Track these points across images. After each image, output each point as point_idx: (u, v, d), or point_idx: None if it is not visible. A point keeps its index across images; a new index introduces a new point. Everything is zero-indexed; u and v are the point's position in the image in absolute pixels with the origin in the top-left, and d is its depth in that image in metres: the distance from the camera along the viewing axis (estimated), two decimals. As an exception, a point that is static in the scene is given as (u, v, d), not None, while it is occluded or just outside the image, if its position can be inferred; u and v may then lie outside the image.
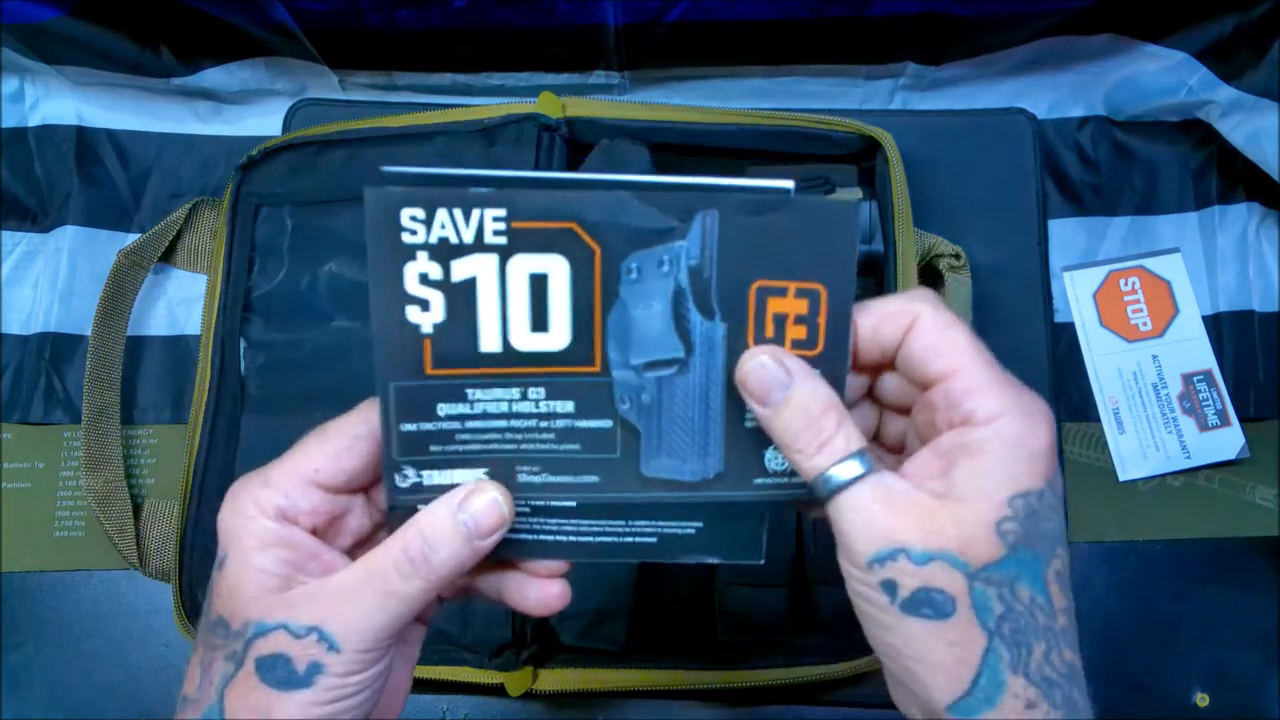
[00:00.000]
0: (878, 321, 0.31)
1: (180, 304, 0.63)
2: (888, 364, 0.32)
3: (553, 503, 0.32)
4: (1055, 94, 0.64)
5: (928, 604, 0.28)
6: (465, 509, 0.31)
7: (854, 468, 0.29)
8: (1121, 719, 0.57)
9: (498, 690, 0.53)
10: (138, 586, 0.59)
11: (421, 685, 0.54)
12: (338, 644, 0.30)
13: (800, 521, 0.56)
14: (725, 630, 0.56)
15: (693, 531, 0.33)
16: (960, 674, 0.28)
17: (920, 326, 0.30)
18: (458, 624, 0.54)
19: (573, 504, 0.32)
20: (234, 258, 0.58)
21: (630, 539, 0.33)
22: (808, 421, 0.30)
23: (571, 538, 0.33)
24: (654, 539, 0.33)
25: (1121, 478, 0.59)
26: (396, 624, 0.30)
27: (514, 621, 0.53)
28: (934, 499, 0.29)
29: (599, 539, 0.33)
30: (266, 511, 0.30)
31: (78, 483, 0.59)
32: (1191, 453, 0.59)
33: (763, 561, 0.33)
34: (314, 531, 0.31)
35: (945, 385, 0.30)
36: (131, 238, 0.62)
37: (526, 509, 0.32)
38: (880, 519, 0.29)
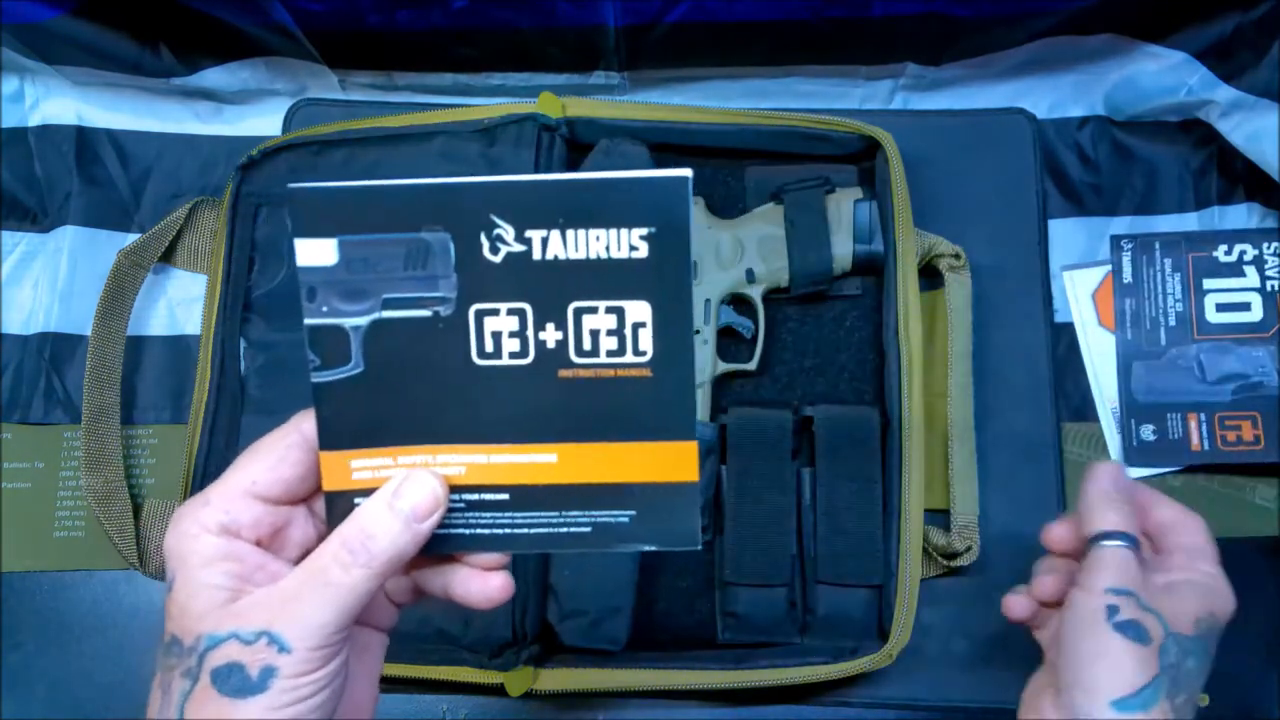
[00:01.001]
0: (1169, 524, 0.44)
1: (180, 304, 0.63)
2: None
3: (485, 496, 0.33)
4: (1055, 94, 0.64)
5: (1134, 631, 0.38)
6: (400, 494, 0.31)
7: (1122, 540, 0.41)
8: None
9: (498, 690, 0.53)
10: (138, 586, 0.59)
11: (421, 685, 0.54)
12: (288, 644, 0.30)
13: (800, 521, 0.56)
14: (725, 630, 0.56)
15: (626, 520, 0.33)
16: (1135, 680, 0.38)
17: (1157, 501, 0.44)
18: (458, 624, 0.54)
19: (505, 496, 0.33)
20: (234, 258, 0.59)
21: (565, 529, 0.33)
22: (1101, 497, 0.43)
23: (507, 530, 0.33)
24: (588, 528, 0.33)
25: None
26: (344, 618, 0.31)
27: (514, 621, 0.53)
28: (1162, 581, 0.41)
29: (534, 530, 0.33)
30: (209, 529, 0.31)
31: (78, 483, 0.59)
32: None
33: (699, 547, 0.33)
34: (259, 544, 0.32)
35: (1188, 543, 0.43)
36: (131, 238, 0.62)
37: (461, 504, 0.33)
38: (1130, 572, 0.40)
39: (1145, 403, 0.60)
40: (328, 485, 0.33)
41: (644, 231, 0.30)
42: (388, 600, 0.36)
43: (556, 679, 0.53)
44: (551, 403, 0.32)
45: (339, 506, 0.32)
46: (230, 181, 0.59)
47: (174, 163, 0.65)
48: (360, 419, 0.32)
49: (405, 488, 0.31)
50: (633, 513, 0.33)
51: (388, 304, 0.31)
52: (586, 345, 0.32)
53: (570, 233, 0.30)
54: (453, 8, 0.55)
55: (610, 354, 0.32)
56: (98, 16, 0.57)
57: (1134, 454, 0.59)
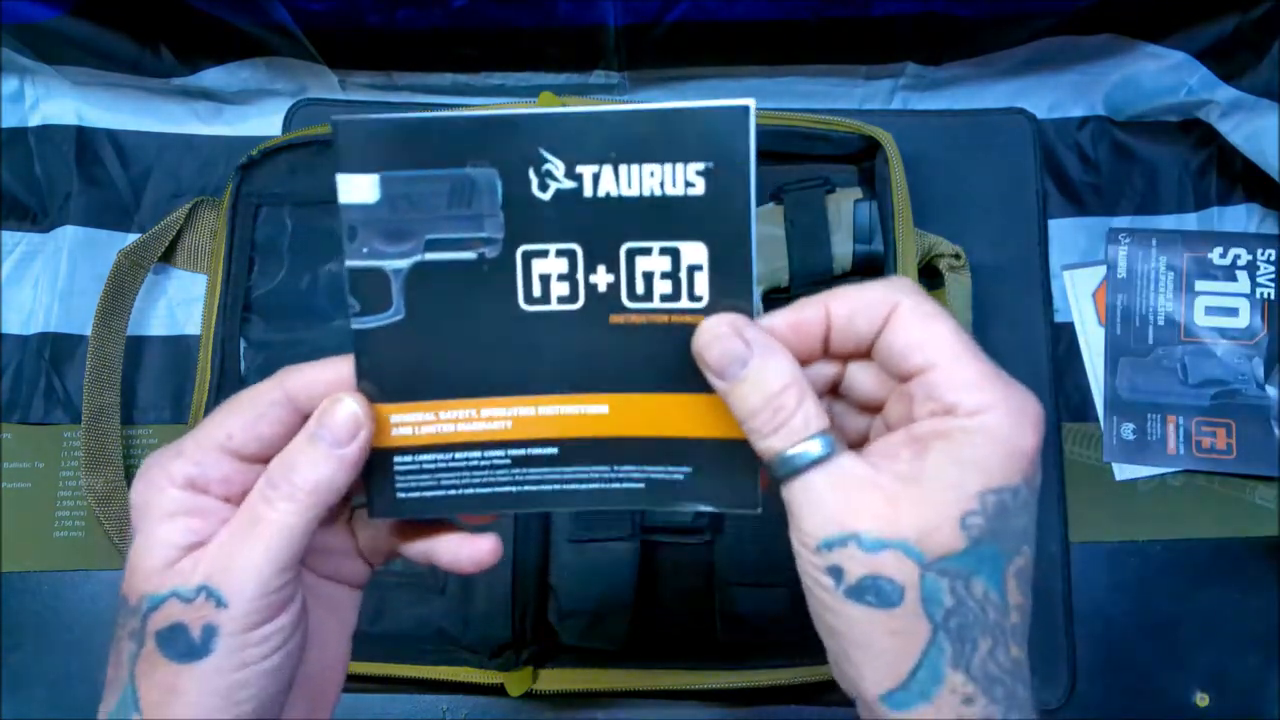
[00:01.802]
0: (853, 311, 0.29)
1: (180, 304, 0.63)
2: (862, 355, 0.30)
3: (533, 451, 0.31)
4: (1055, 94, 0.64)
5: (873, 591, 0.27)
6: (318, 420, 0.29)
7: (813, 448, 0.28)
8: (1121, 719, 0.57)
9: (498, 690, 0.53)
10: (138, 586, 0.59)
11: (421, 685, 0.54)
12: (225, 598, 0.28)
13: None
14: (725, 630, 0.56)
15: (681, 477, 0.31)
16: (899, 666, 0.27)
17: (900, 317, 0.29)
18: (458, 624, 0.54)
19: (554, 450, 0.31)
20: (234, 258, 0.59)
21: (617, 485, 0.32)
22: (765, 399, 0.28)
23: (557, 486, 0.32)
24: (641, 484, 0.32)
25: (1120, 477, 0.59)
26: (281, 560, 0.28)
27: (514, 621, 0.53)
28: (897, 483, 0.28)
29: (585, 486, 0.32)
30: (176, 481, 0.29)
31: (78, 483, 0.59)
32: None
33: (759, 510, 0.31)
34: (228, 500, 0.30)
35: (927, 377, 0.28)
36: (131, 238, 0.62)
37: (507, 460, 0.31)
38: (833, 504, 0.28)
39: (1128, 400, 0.60)
40: None
41: (701, 166, 0.29)
42: (359, 556, 0.34)
43: (556, 679, 0.53)
44: (602, 350, 0.30)
45: (377, 466, 0.31)
46: (230, 181, 0.59)
47: (174, 163, 0.65)
48: (401, 369, 0.30)
49: (324, 411, 0.29)
50: (689, 469, 0.31)
51: (431, 245, 0.30)
52: (640, 289, 0.30)
53: (623, 168, 0.29)
54: (453, 7, 0.55)
55: (664, 298, 0.30)
56: (98, 16, 0.57)
57: (1114, 451, 0.60)
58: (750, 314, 0.30)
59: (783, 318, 0.30)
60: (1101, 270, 0.62)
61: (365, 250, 0.30)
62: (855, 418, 0.32)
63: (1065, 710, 0.56)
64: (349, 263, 0.30)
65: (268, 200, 0.59)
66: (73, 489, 0.60)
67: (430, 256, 0.30)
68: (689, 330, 0.30)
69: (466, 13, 0.56)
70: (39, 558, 0.59)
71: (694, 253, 0.29)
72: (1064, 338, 0.61)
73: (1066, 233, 0.63)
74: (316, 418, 0.29)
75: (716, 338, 0.29)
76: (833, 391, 0.32)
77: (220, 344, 0.57)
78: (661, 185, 0.29)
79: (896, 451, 0.28)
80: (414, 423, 0.31)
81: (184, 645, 0.28)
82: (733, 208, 0.29)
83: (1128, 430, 0.60)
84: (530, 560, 0.54)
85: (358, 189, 0.29)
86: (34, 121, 0.65)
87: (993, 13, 0.56)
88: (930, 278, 0.58)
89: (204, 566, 0.28)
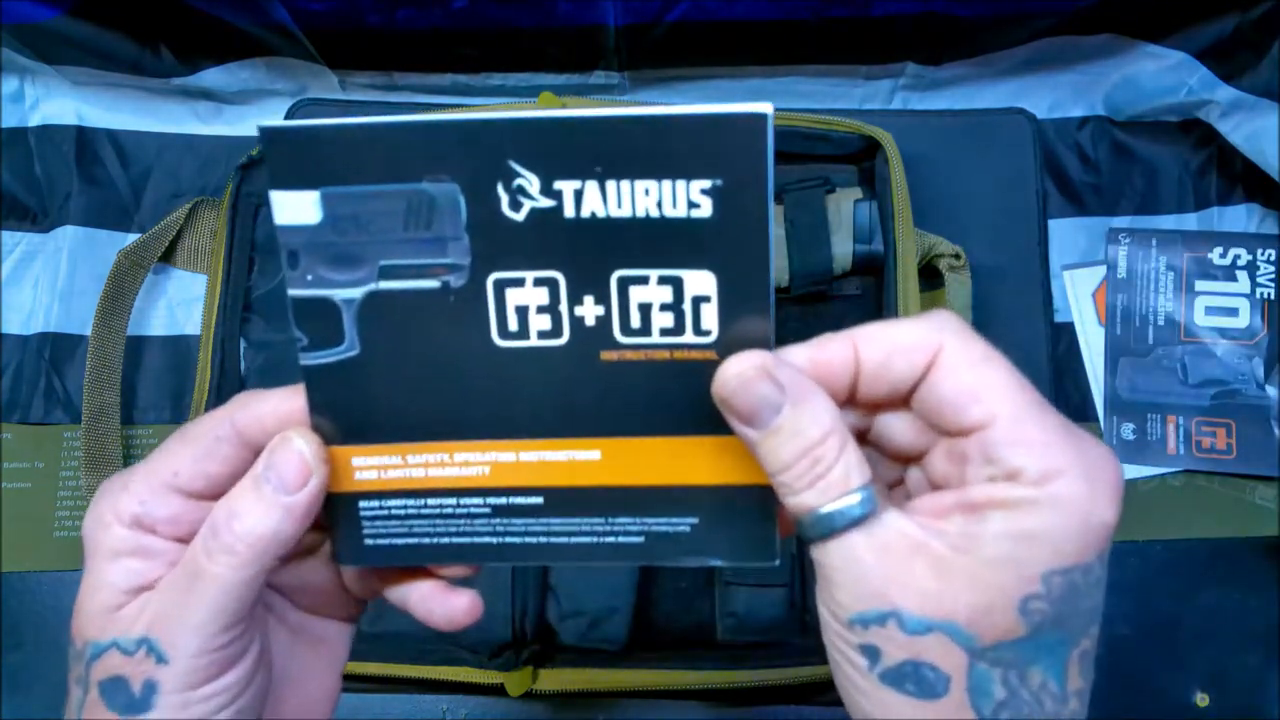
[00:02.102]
0: (888, 354, 0.25)
1: (180, 304, 0.63)
2: (896, 403, 0.26)
3: (514, 500, 0.28)
4: (1055, 94, 0.64)
5: (914, 680, 0.24)
6: (265, 462, 0.27)
7: (852, 505, 0.24)
8: (1121, 719, 0.57)
9: (498, 690, 0.53)
10: (138, 586, 0.59)
11: (421, 685, 0.54)
12: (165, 654, 0.26)
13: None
14: (725, 630, 0.56)
15: (687, 529, 0.28)
16: None
17: (946, 364, 0.25)
18: (458, 624, 0.54)
19: (539, 500, 0.28)
20: (234, 258, 0.58)
21: (613, 539, 0.28)
22: (801, 450, 0.25)
23: (543, 539, 0.29)
24: (640, 538, 0.28)
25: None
26: (223, 617, 0.26)
27: (514, 621, 0.53)
28: (950, 551, 0.24)
29: (575, 540, 0.28)
30: (122, 518, 0.27)
31: (78, 483, 0.59)
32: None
33: (776, 562, 0.28)
34: (180, 540, 0.28)
35: (984, 435, 0.24)
36: (131, 238, 0.62)
37: (486, 509, 0.28)
38: (875, 573, 0.24)
39: (1128, 400, 0.60)
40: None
41: (708, 184, 0.24)
42: (345, 591, 0.32)
43: (556, 679, 0.53)
44: (593, 390, 0.27)
45: (341, 510, 0.28)
46: (230, 181, 0.59)
47: (174, 163, 0.65)
48: (360, 409, 0.27)
49: (269, 456, 0.27)
50: (695, 520, 0.28)
51: (385, 273, 0.26)
52: (635, 322, 0.26)
53: (611, 185, 0.24)
54: (453, 7, 0.55)
55: (665, 332, 0.26)
56: (98, 16, 0.57)
57: (1114, 451, 0.60)
58: (770, 350, 0.26)
59: (804, 354, 0.26)
60: (1101, 270, 0.62)
61: (309, 278, 0.26)
62: (887, 468, 0.28)
63: (1065, 710, 0.56)
64: (291, 291, 0.26)
65: (268, 200, 0.59)
66: (73, 489, 0.60)
67: (385, 285, 0.26)
68: (695, 367, 0.26)
69: (466, 13, 0.56)
70: (39, 558, 0.59)
71: (700, 282, 0.25)
72: (1064, 338, 0.61)
73: (1066, 233, 0.63)
74: (264, 459, 0.27)
75: (745, 381, 0.25)
76: (859, 439, 0.27)
77: (220, 344, 0.57)
78: (659, 205, 0.25)
79: (948, 513, 0.24)
80: (378, 466, 0.28)
81: (125, 699, 0.26)
82: (747, 232, 0.25)
83: (1128, 430, 0.60)
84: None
85: (295, 208, 0.25)
86: (34, 121, 0.65)
87: (993, 13, 0.56)
88: (930, 278, 0.58)
89: (146, 616, 0.27)
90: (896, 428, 0.27)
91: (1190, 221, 0.63)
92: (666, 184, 0.24)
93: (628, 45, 0.59)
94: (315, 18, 0.56)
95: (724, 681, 0.53)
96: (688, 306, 0.26)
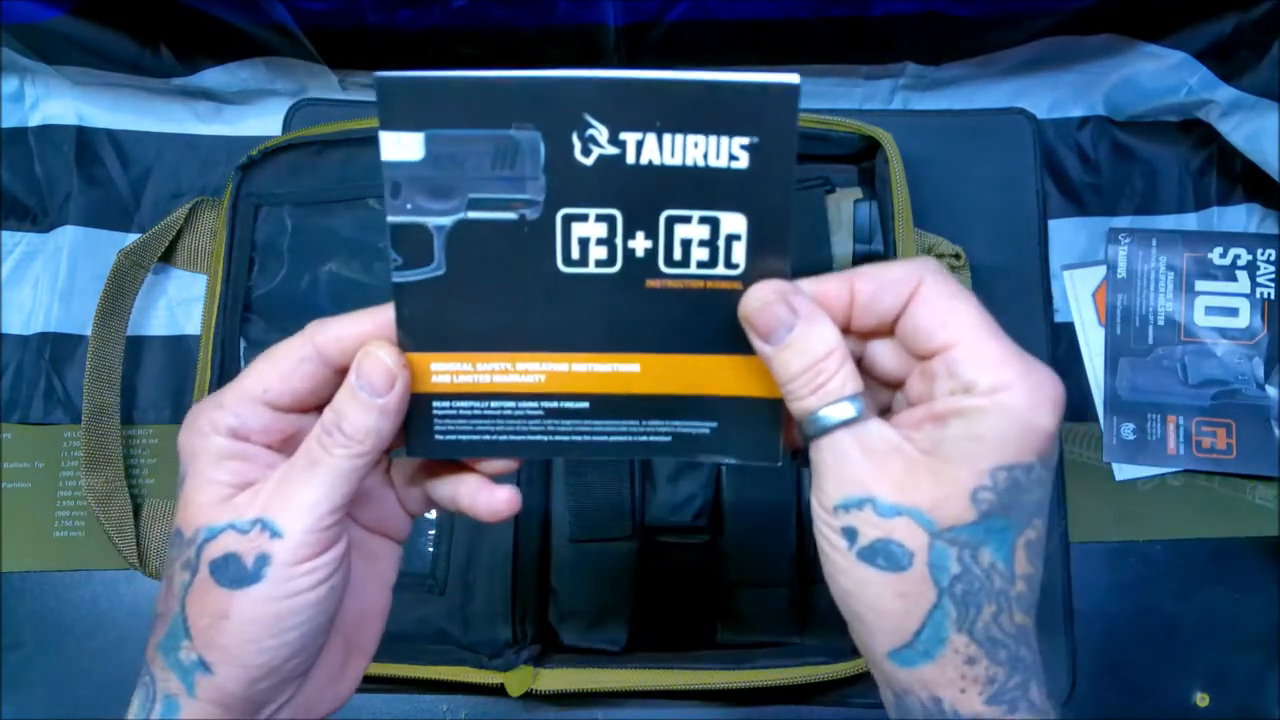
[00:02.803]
0: (877, 288, 0.30)
1: (180, 304, 0.63)
2: (884, 332, 0.31)
3: (565, 404, 0.32)
4: (1055, 94, 0.64)
5: (884, 555, 0.28)
6: (356, 373, 0.31)
7: (845, 410, 0.29)
8: (1121, 719, 0.57)
9: (498, 690, 0.53)
10: (138, 586, 0.59)
11: (421, 685, 0.54)
12: (280, 529, 0.30)
13: (800, 520, 0.56)
14: (725, 630, 0.56)
15: (707, 431, 0.33)
16: (905, 625, 0.28)
17: (923, 295, 0.30)
18: (458, 624, 0.54)
19: (585, 405, 0.32)
20: (234, 258, 0.59)
21: (645, 438, 0.33)
22: (807, 363, 0.29)
23: (587, 436, 0.33)
24: (668, 437, 0.33)
25: (1120, 477, 0.59)
26: (334, 498, 0.30)
27: (514, 621, 0.53)
28: (918, 453, 0.29)
29: (613, 438, 0.33)
30: (220, 430, 0.31)
31: (78, 483, 0.59)
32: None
33: (779, 463, 0.33)
34: (270, 447, 0.32)
35: (948, 355, 0.29)
36: (131, 238, 0.62)
37: (540, 411, 0.32)
38: (857, 465, 0.29)
39: (1128, 400, 0.60)
40: None
41: (745, 141, 0.29)
42: (400, 507, 0.36)
43: (556, 679, 0.53)
44: (637, 313, 0.31)
45: (418, 409, 0.32)
46: (230, 181, 0.59)
47: (174, 163, 0.65)
48: (440, 321, 0.31)
49: (360, 365, 0.31)
50: (714, 424, 0.33)
51: (473, 204, 0.30)
52: (677, 255, 0.30)
53: (668, 137, 0.29)
54: (453, 7, 0.55)
55: (701, 265, 0.31)
56: (98, 16, 0.57)
57: (1114, 451, 0.60)
58: (787, 279, 0.31)
59: (809, 286, 0.30)
60: (1101, 270, 0.62)
61: (409, 206, 0.30)
62: (878, 392, 0.33)
63: (1065, 710, 0.56)
64: (391, 218, 0.30)
65: (268, 200, 0.59)
66: (73, 489, 0.60)
67: (472, 215, 0.30)
68: (724, 295, 0.31)
69: (466, 13, 0.56)
70: (39, 558, 0.59)
71: (734, 223, 0.30)
72: (1064, 338, 0.61)
73: (1066, 233, 0.63)
74: (354, 370, 0.31)
75: (765, 304, 0.30)
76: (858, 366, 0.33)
77: (220, 344, 0.57)
78: (705, 156, 0.29)
79: (918, 424, 0.29)
80: (452, 371, 0.32)
81: (236, 572, 0.30)
82: (775, 182, 0.29)
83: (1128, 430, 0.60)
84: (530, 560, 0.54)
85: (403, 146, 0.29)
86: (34, 121, 0.65)
87: (993, 13, 0.56)
88: (930, 278, 0.58)
89: (260, 500, 0.30)
90: (883, 355, 0.31)
91: (1190, 221, 0.63)
92: (713, 139, 0.29)
93: (628, 45, 0.59)
94: (315, 17, 0.56)
95: (724, 681, 0.53)
96: (721, 243, 0.30)
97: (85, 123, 0.65)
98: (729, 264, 0.31)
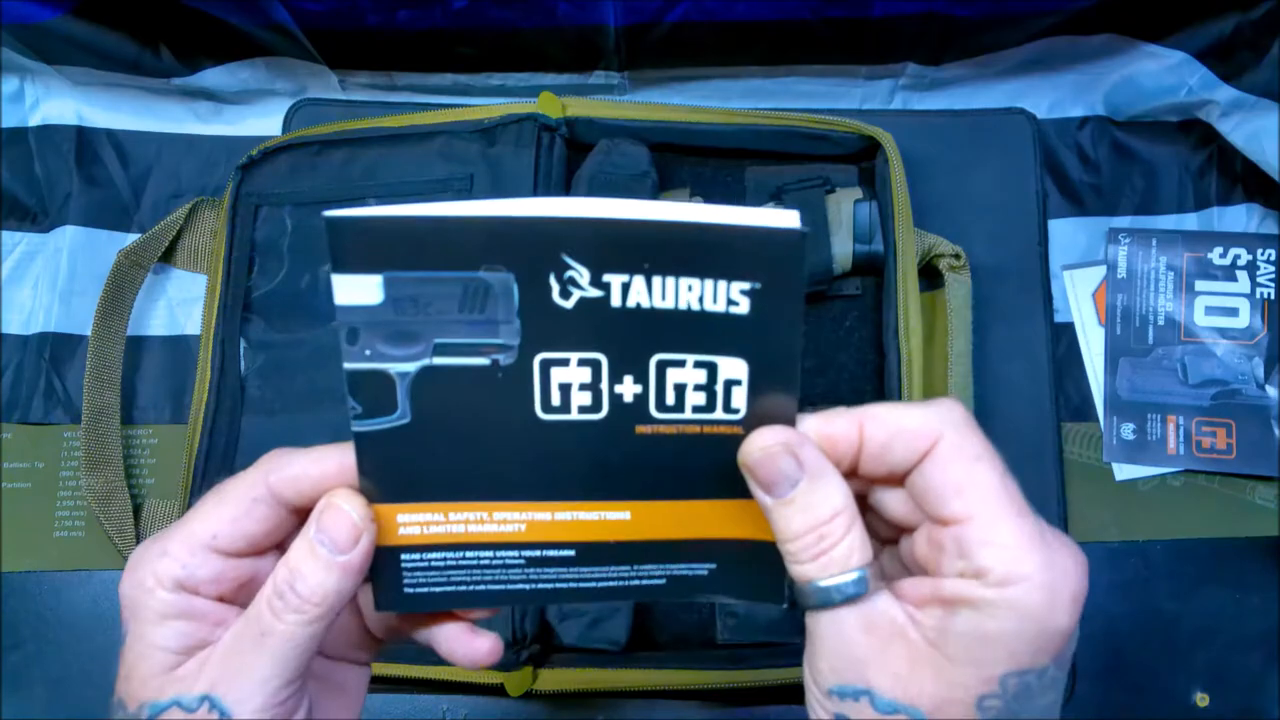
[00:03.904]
0: (890, 437, 0.27)
1: (180, 304, 0.63)
2: (894, 482, 0.28)
3: (548, 553, 0.30)
4: (1055, 94, 0.64)
5: None
6: (316, 525, 0.28)
7: (849, 584, 0.26)
8: (1121, 719, 0.57)
9: (498, 690, 0.53)
10: (138, 586, 0.59)
11: (421, 685, 0.54)
12: (229, 710, 0.27)
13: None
14: (725, 630, 0.56)
15: (705, 573, 0.31)
16: None
17: (940, 453, 0.27)
18: (458, 624, 0.54)
19: (571, 553, 0.30)
20: (234, 258, 0.59)
21: (637, 581, 0.31)
22: (811, 524, 0.27)
23: (573, 585, 0.31)
24: (663, 580, 0.31)
25: (1120, 477, 0.60)
26: (288, 671, 0.28)
27: (514, 621, 0.53)
28: (923, 642, 0.26)
29: (603, 584, 0.31)
30: (164, 583, 0.28)
31: (78, 483, 0.59)
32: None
33: (785, 605, 0.30)
34: (222, 599, 0.29)
35: (960, 530, 0.26)
36: (131, 238, 0.62)
37: (520, 560, 0.30)
38: (857, 648, 0.26)
39: (1128, 400, 0.60)
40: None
41: (746, 286, 0.26)
42: (367, 635, 0.33)
43: (556, 679, 0.53)
44: (626, 459, 0.29)
45: (384, 562, 0.29)
46: (230, 181, 0.59)
47: (174, 163, 0.65)
48: (407, 471, 0.29)
49: (319, 518, 0.28)
50: (713, 565, 0.30)
51: (440, 349, 0.27)
52: (670, 400, 0.28)
53: (657, 280, 0.26)
54: (453, 8, 0.55)
55: (697, 409, 0.28)
56: (98, 16, 0.57)
57: (1114, 451, 0.60)
58: (792, 423, 0.28)
59: (813, 426, 0.28)
60: (1101, 270, 0.62)
61: (367, 352, 0.27)
62: (879, 527, 0.30)
63: (1065, 710, 0.56)
64: (348, 365, 0.27)
65: (268, 200, 0.59)
66: (73, 489, 0.60)
67: (439, 361, 0.27)
68: (722, 440, 0.28)
69: (466, 13, 0.56)
70: (39, 558, 0.59)
71: (733, 368, 0.27)
72: (1064, 338, 0.61)
73: (1066, 233, 0.63)
74: (314, 522, 0.28)
75: (769, 455, 0.27)
76: (858, 501, 0.30)
77: (220, 344, 0.57)
78: (700, 300, 0.26)
79: (926, 603, 0.26)
80: (421, 523, 0.29)
81: None
82: (780, 328, 0.27)
83: (1128, 430, 0.60)
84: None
85: (358, 290, 0.26)
86: (34, 121, 0.65)
87: (993, 13, 0.56)
88: (930, 278, 0.59)
89: (207, 674, 0.28)
90: (892, 500, 0.29)
91: (1190, 221, 0.63)
92: (709, 283, 0.26)
93: (628, 45, 0.59)
94: (315, 18, 0.56)
95: (724, 681, 0.53)
96: (720, 388, 0.28)
97: (85, 123, 0.65)
98: (728, 409, 0.28)
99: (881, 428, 0.27)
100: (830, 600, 0.26)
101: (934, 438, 0.27)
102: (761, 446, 0.27)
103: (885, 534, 0.30)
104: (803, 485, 0.27)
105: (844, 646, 0.26)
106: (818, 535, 0.27)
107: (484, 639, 0.31)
